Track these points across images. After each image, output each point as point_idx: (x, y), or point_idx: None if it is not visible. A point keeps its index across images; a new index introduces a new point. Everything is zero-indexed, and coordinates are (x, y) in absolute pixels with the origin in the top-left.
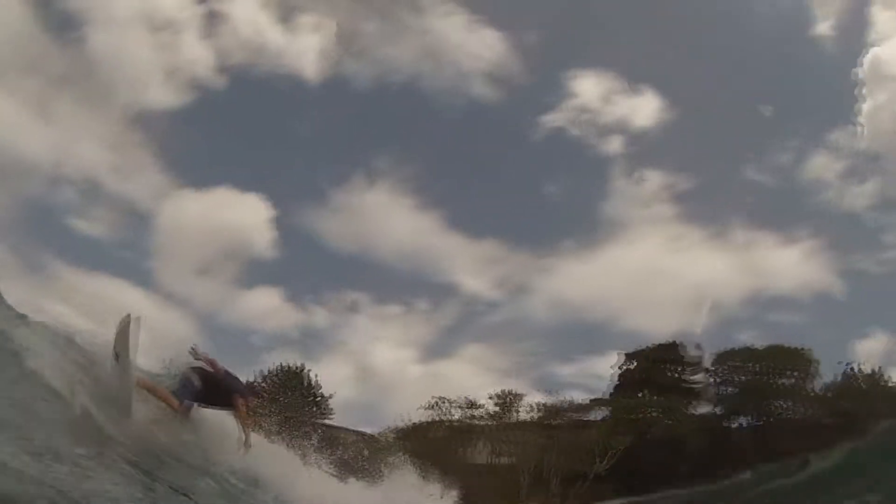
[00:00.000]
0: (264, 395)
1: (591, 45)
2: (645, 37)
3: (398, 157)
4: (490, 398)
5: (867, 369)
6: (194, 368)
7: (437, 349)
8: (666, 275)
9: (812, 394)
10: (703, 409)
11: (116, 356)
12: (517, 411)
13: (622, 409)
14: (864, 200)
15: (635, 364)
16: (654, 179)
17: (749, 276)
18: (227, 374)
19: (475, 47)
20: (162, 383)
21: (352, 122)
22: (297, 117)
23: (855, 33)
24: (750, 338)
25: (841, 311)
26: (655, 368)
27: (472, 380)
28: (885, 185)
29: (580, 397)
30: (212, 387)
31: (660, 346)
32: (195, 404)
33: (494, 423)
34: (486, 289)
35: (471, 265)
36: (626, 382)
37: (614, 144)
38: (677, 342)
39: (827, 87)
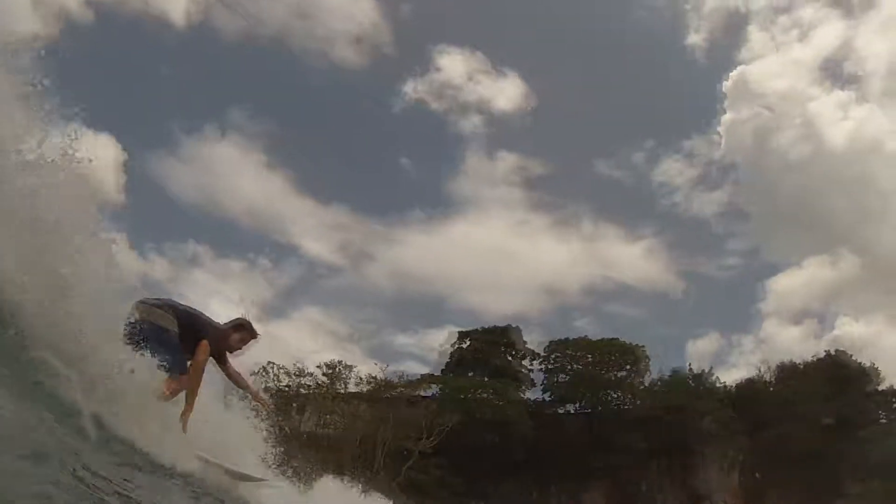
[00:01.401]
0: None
1: (463, 24)
2: (519, 24)
3: (253, 112)
4: (318, 367)
5: (697, 368)
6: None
7: (274, 309)
8: (510, 257)
9: (642, 387)
10: (535, 394)
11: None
12: (346, 383)
13: (453, 387)
14: (714, 207)
15: (469, 343)
16: (507, 162)
17: (591, 267)
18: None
19: (348, 11)
20: None
21: (213, 72)
22: (158, 61)
23: (727, 48)
24: (587, 325)
25: (678, 310)
26: (489, 349)
27: (307, 343)
28: (734, 195)
29: (416, 368)
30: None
31: (495, 327)
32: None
33: (323, 392)
34: (329, 253)
35: (316, 228)
36: (459, 361)
37: (473, 123)
38: (513, 325)
39: (692, 95)
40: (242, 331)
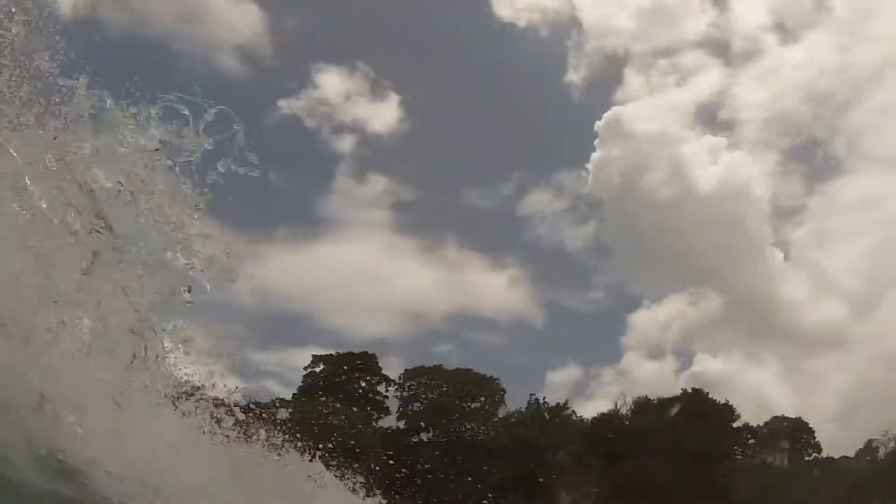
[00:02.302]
0: None
1: (345, 44)
2: (401, 49)
3: None
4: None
5: (553, 401)
6: None
7: None
8: (375, 279)
9: (496, 419)
10: (390, 421)
11: None
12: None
13: (303, 412)
14: (580, 242)
15: (322, 367)
16: (378, 184)
17: (455, 294)
18: None
19: (234, 20)
20: None
21: (90, 68)
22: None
23: (604, 88)
24: (449, 352)
25: (539, 341)
26: (345, 374)
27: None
28: (600, 230)
29: (277, 388)
30: None
31: (351, 353)
32: None
33: None
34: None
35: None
36: (313, 384)
37: (346, 143)
38: (370, 352)
39: (565, 131)
40: None
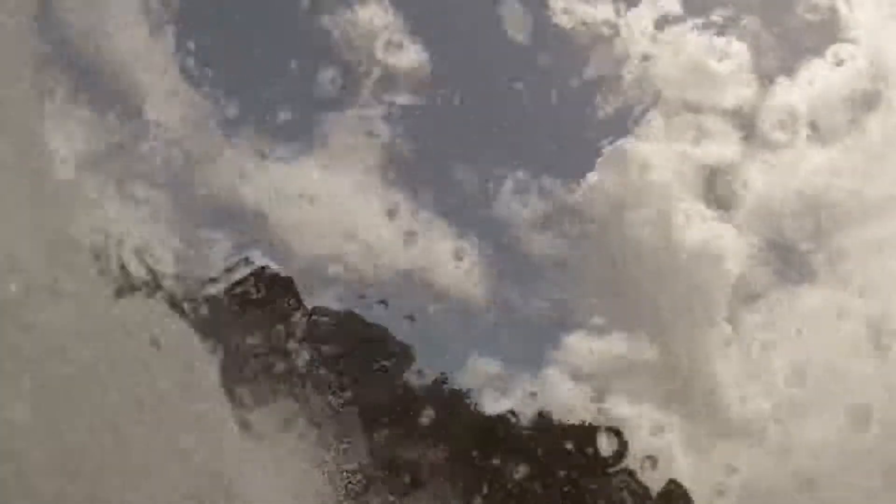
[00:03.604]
0: None
1: None
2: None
3: None
4: None
5: (465, 387)
6: None
7: None
8: (336, 214)
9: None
10: None
11: None
12: None
13: None
14: (546, 249)
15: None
16: (382, 131)
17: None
18: None
19: None
20: None
21: None
22: None
23: (624, 116)
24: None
25: (476, 323)
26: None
27: None
28: (570, 246)
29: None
30: None
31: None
32: None
33: None
34: None
35: None
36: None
37: (369, 76)
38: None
39: (571, 140)
40: None
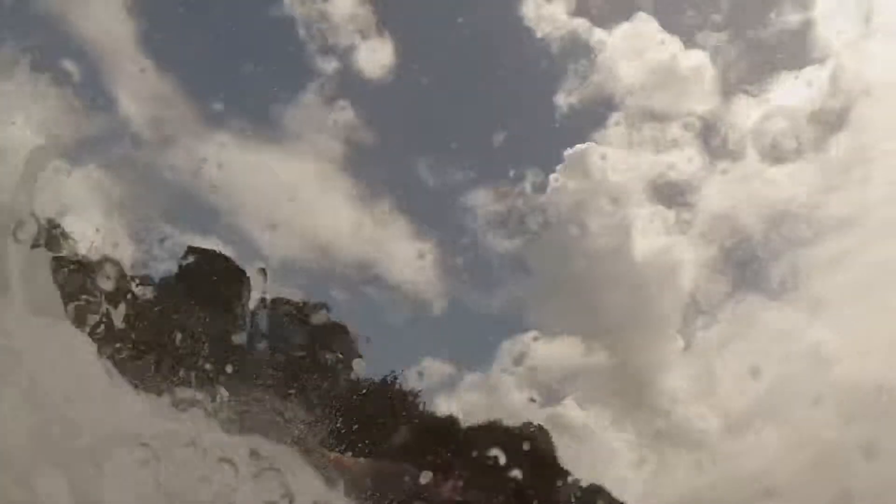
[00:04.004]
0: None
1: None
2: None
3: None
4: None
5: (418, 387)
6: None
7: None
8: (299, 203)
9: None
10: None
11: None
12: None
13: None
14: (505, 248)
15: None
16: (345, 116)
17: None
18: None
19: None
20: None
21: None
22: None
23: (585, 121)
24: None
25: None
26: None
27: None
28: (528, 247)
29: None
30: None
31: (229, 259)
32: None
33: None
34: None
35: None
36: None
37: (329, 65)
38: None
39: (532, 144)
40: None
